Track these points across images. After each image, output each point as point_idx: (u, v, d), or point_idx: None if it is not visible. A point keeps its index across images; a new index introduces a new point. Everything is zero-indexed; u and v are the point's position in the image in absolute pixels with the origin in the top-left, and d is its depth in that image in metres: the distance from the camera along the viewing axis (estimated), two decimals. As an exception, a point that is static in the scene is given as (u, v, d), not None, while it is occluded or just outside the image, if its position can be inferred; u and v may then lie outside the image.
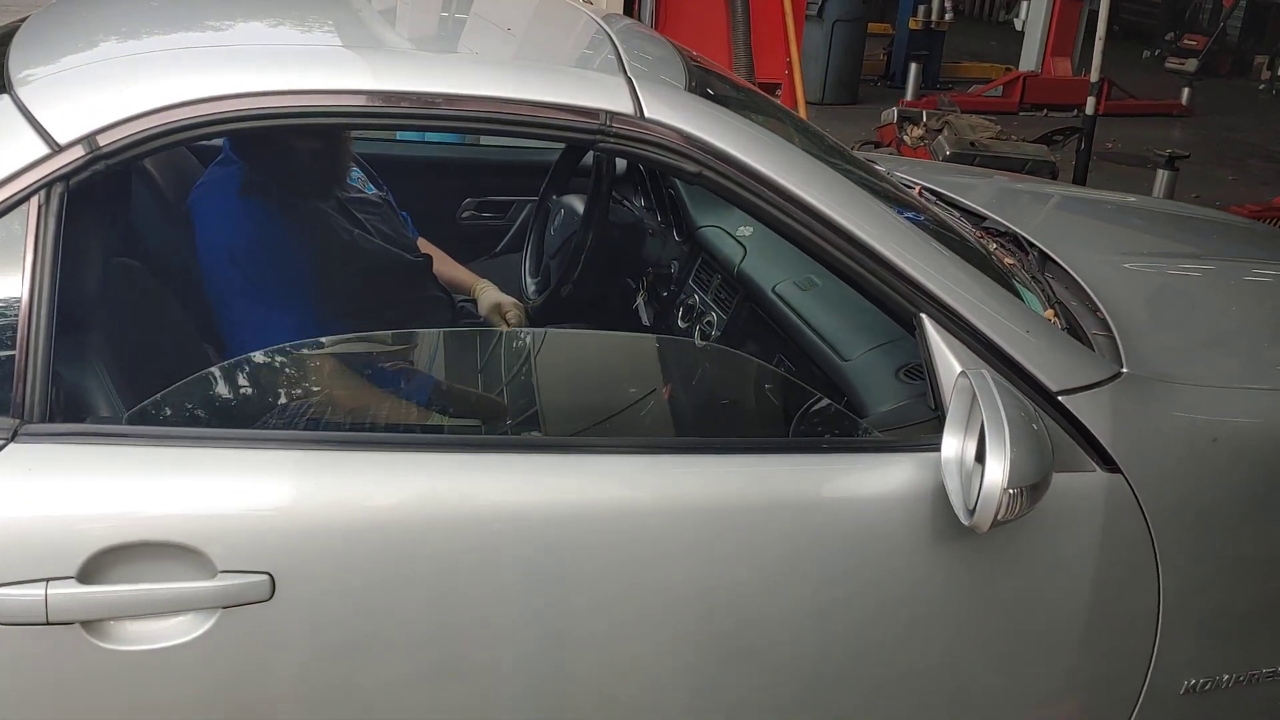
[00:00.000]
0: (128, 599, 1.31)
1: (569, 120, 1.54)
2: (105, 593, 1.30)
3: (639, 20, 4.24)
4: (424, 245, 2.61)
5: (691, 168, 1.56)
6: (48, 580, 1.27)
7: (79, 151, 1.37)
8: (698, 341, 2.35)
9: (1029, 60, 9.26)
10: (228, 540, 1.33)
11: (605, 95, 1.56)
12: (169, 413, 1.49)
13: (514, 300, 2.64)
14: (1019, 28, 9.33)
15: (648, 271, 2.64)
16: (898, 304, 1.60)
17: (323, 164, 2.23)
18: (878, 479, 1.56)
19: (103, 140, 1.38)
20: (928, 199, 2.48)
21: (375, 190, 2.57)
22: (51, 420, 1.34)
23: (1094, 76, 5.09)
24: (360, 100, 1.49)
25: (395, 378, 2.31)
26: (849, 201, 1.65)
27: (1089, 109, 5.08)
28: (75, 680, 1.33)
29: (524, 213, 3.08)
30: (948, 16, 9.42)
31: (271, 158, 2.12)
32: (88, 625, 1.30)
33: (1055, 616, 1.67)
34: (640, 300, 2.64)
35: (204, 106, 1.42)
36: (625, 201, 2.76)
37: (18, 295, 1.42)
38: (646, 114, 1.56)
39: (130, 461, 1.34)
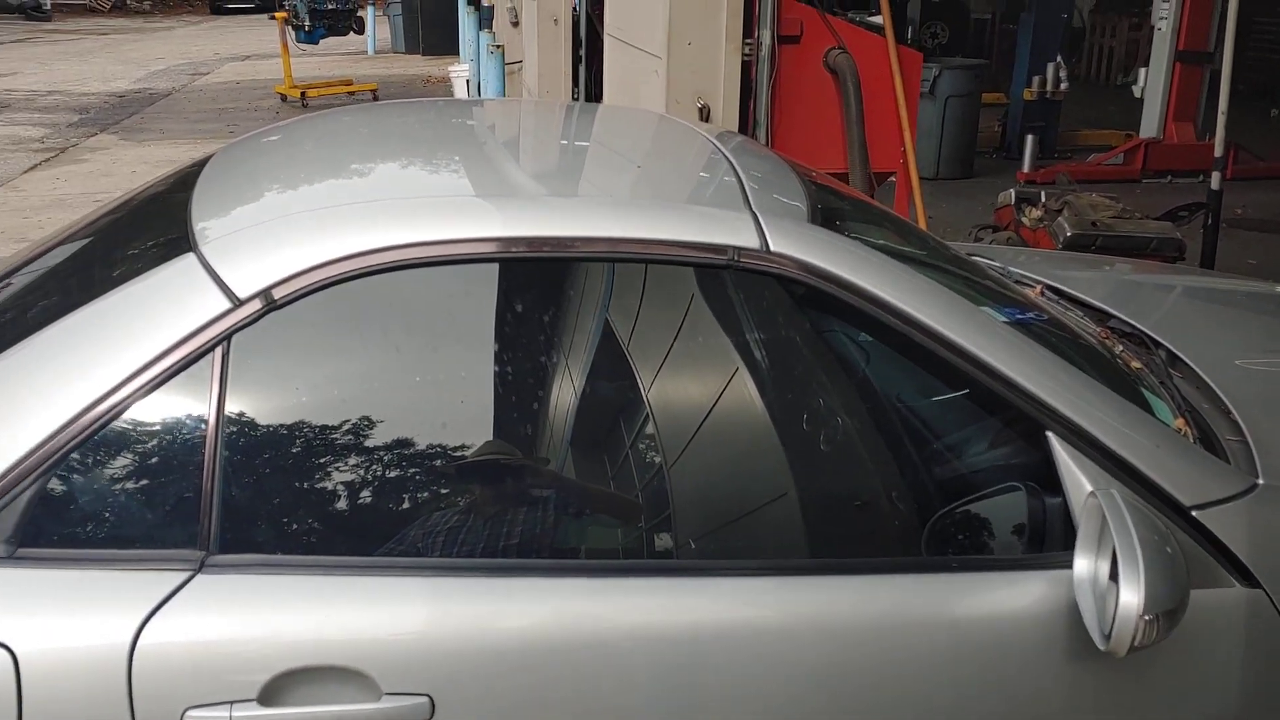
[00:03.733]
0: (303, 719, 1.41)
1: (699, 257, 1.63)
2: (284, 714, 1.40)
3: (754, 117, 4.35)
4: None
5: (816, 296, 1.63)
6: (232, 703, 1.39)
7: (256, 305, 1.51)
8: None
9: (1150, 126, 9.09)
10: (390, 664, 1.43)
11: (732, 231, 1.65)
12: (332, 540, 1.60)
13: None
14: (1138, 94, 9.18)
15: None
16: (1023, 421, 1.63)
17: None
18: (1010, 597, 1.58)
19: (276, 293, 1.52)
20: (1049, 298, 2.50)
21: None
22: (231, 551, 1.47)
23: (1218, 150, 5.00)
24: (505, 246, 1.61)
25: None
26: (968, 321, 1.70)
27: (1214, 184, 4.98)
28: (256, 796, 1.43)
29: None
30: (1063, 86, 9.34)
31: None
32: (268, 745, 1.41)
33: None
34: (764, 402, 2.69)
35: (364, 259, 1.55)
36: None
37: (201, 435, 1.56)
38: (772, 248, 1.64)
39: (303, 589, 1.45)
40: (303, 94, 12.41)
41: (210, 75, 15.51)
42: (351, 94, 12.89)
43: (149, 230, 1.87)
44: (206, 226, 1.68)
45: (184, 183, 1.97)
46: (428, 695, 1.43)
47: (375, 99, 12.46)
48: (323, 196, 1.81)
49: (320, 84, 13.13)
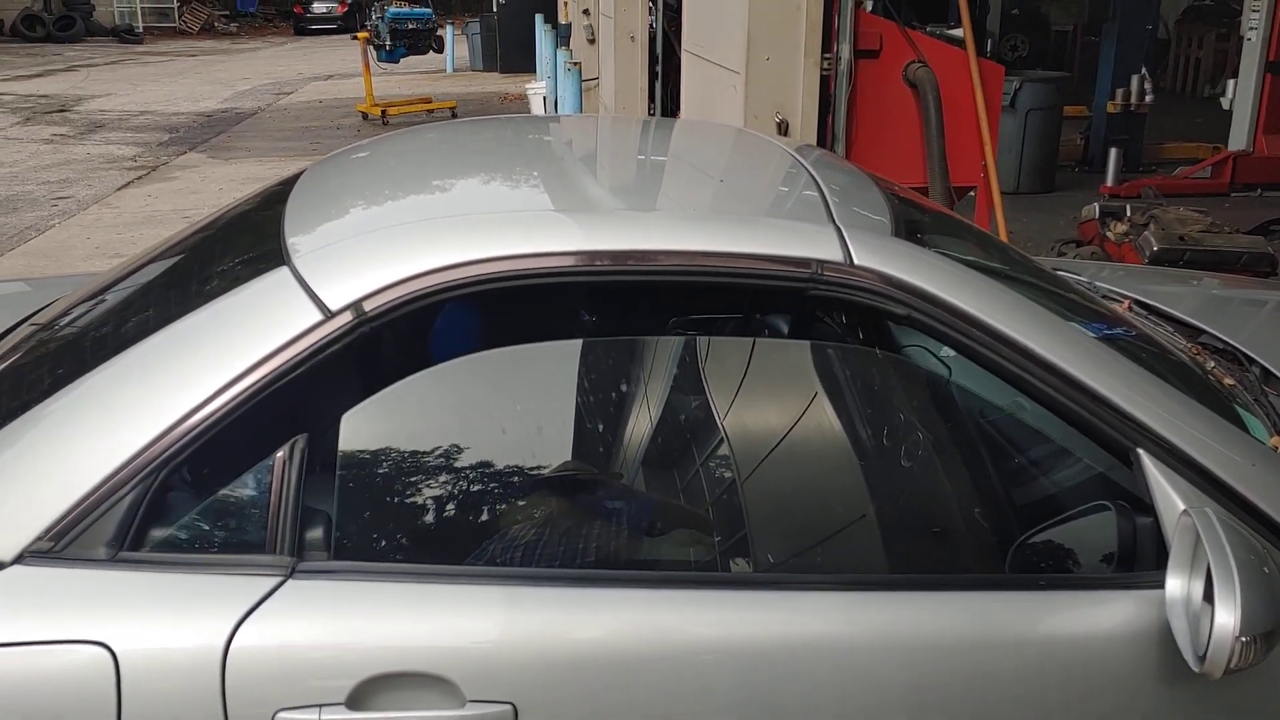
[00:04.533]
0: (390, 725, 1.44)
1: (782, 270, 1.63)
2: (371, 719, 1.43)
3: (833, 132, 4.33)
4: None
5: (900, 310, 1.62)
6: (321, 706, 1.42)
7: (348, 317, 1.55)
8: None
9: (1238, 138, 8.87)
10: (475, 671, 1.45)
11: (815, 245, 1.65)
12: (418, 549, 1.63)
13: None
14: (1226, 105, 8.96)
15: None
16: (1111, 438, 1.60)
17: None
18: (1099, 617, 1.55)
19: (367, 306, 1.55)
20: (1137, 313, 2.45)
21: (586, 316, 2.73)
22: (321, 559, 1.50)
23: (1313, 161, 4.86)
24: (589, 260, 1.63)
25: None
26: (1055, 335, 1.67)
27: (1309, 195, 4.85)
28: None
29: (728, 330, 3.17)
30: (1148, 98, 9.14)
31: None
32: (355, 748, 1.43)
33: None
34: (844, 418, 2.68)
35: (453, 272, 1.58)
36: (826, 319, 2.82)
37: (294, 445, 1.60)
38: (856, 261, 1.63)
39: (391, 596, 1.48)
40: (383, 112, 12.65)
41: (294, 94, 15.88)
42: (430, 112, 13.11)
43: (243, 245, 1.92)
44: (298, 241, 1.73)
45: (275, 199, 2.02)
46: (511, 704, 1.44)
47: (454, 116, 12.65)
48: (411, 211, 1.85)
49: (400, 102, 13.37)
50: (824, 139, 4.28)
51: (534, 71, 13.73)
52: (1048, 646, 1.55)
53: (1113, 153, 8.32)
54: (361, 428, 1.64)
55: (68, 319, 1.97)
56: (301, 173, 2.19)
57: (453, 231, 1.66)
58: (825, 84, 4.24)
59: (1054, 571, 1.66)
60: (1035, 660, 1.55)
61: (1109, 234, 4.90)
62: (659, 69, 7.05)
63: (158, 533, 1.50)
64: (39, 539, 1.46)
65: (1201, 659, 1.40)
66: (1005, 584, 1.62)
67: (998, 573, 1.66)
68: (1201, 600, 1.44)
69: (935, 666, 1.53)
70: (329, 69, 19.02)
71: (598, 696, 1.48)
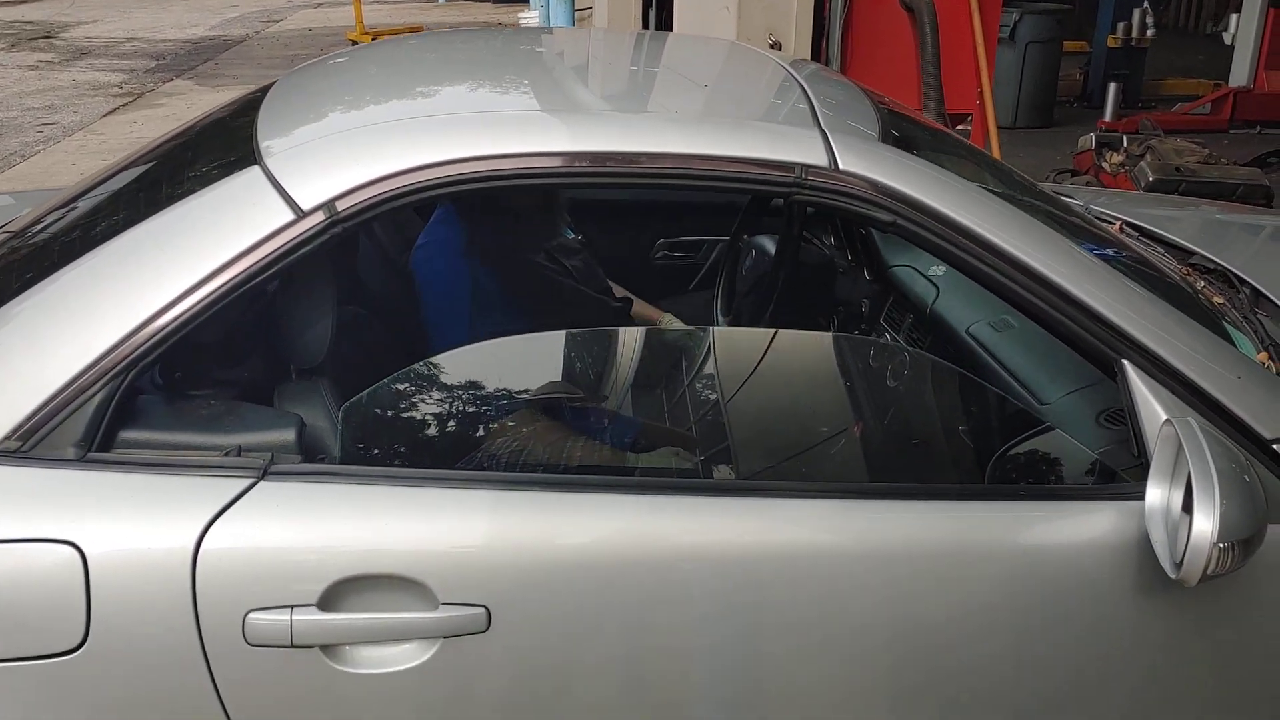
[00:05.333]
0: (362, 626, 1.43)
1: (766, 174, 1.59)
2: (342, 620, 1.42)
3: (827, 54, 4.26)
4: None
5: (886, 217, 1.59)
6: (293, 607, 1.41)
7: (320, 217, 1.51)
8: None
9: (1239, 74, 8.75)
10: (448, 574, 1.43)
11: (800, 148, 1.61)
12: (396, 452, 1.61)
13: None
14: (1228, 40, 8.84)
15: (839, 310, 2.66)
16: (1098, 350, 1.58)
17: (539, 219, 2.36)
18: (1079, 527, 1.54)
19: (340, 205, 1.52)
20: (1128, 234, 2.42)
21: (573, 234, 2.70)
22: (294, 460, 1.49)
23: (1313, 93, 4.80)
24: (570, 161, 1.58)
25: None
26: (1045, 245, 1.64)
27: (1307, 128, 4.79)
28: (313, 698, 1.45)
29: (715, 252, 3.15)
30: (1149, 33, 9.01)
31: (492, 217, 2.26)
32: (326, 649, 1.43)
33: (1273, 673, 1.60)
34: (831, 339, 2.66)
35: (428, 172, 1.54)
36: (816, 240, 2.79)
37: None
38: (841, 166, 1.60)
39: (364, 499, 1.46)
40: (374, 40, 12.45)
41: (283, 22, 15.62)
42: (422, 41, 12.90)
43: (215, 148, 1.88)
44: (271, 142, 1.68)
45: (249, 106, 1.97)
46: (485, 607, 1.43)
47: (445, 46, 12.46)
48: (388, 114, 1.80)
49: (391, 30, 13.15)
50: (817, 62, 4.21)
51: (526, 1, 13.50)
52: (1027, 556, 1.55)
53: (1112, 87, 8.21)
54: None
55: (39, 225, 1.93)
56: (277, 80, 2.14)
57: (427, 131, 1.62)
58: (820, 7, 4.17)
59: (1036, 482, 1.65)
60: (1015, 570, 1.54)
61: (1104, 164, 4.85)
62: (652, -4, 6.92)
63: (128, 434, 1.48)
64: (6, 438, 1.43)
65: (1178, 565, 1.40)
66: (986, 494, 1.61)
67: (979, 484, 1.64)
68: (1180, 511, 1.43)
69: (916, 576, 1.52)
70: (319, -3, 18.68)
71: (574, 600, 1.47)
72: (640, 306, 2.78)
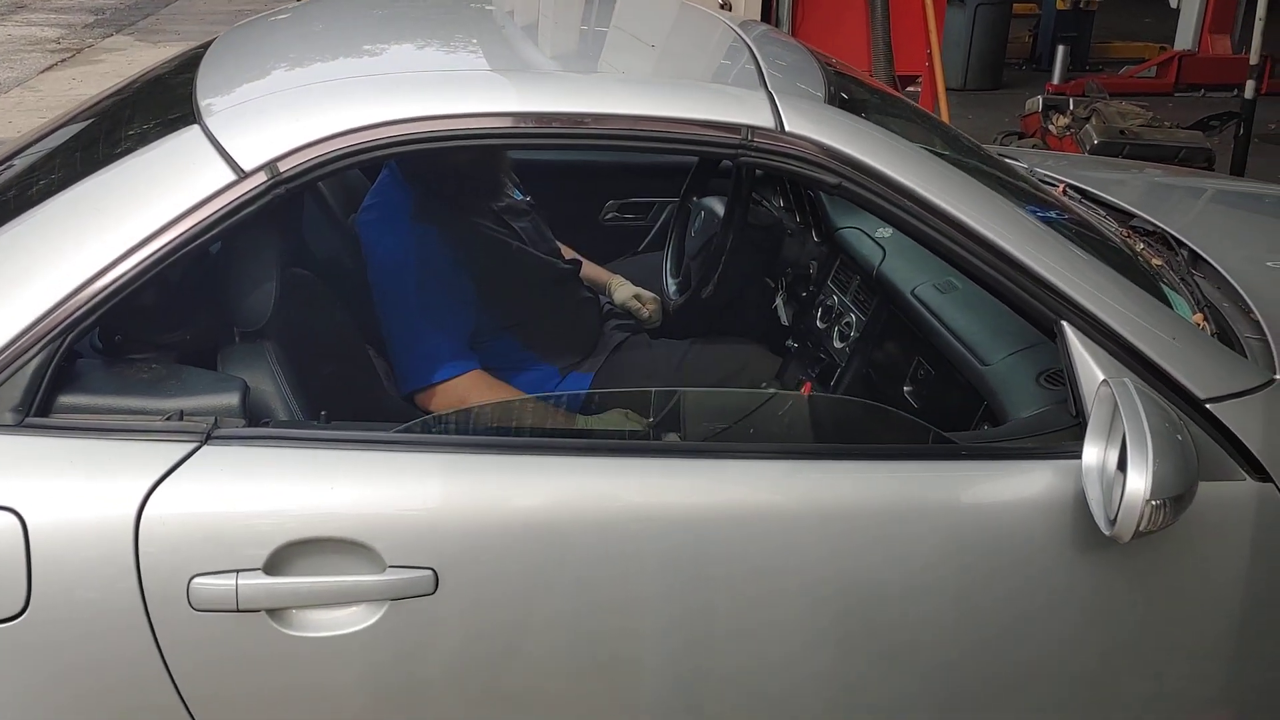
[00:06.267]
0: (308, 590, 1.43)
1: (711, 136, 1.59)
2: (289, 584, 1.42)
3: (776, 15, 4.25)
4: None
5: (831, 179, 1.60)
6: (238, 571, 1.40)
7: (262, 177, 1.49)
8: (836, 342, 2.38)
9: (1185, 38, 8.85)
10: (395, 537, 1.44)
11: (746, 110, 1.61)
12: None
13: (651, 293, 2.72)
14: (1174, 4, 8.92)
15: (787, 272, 2.67)
16: (1038, 311, 1.61)
17: (485, 180, 2.35)
18: (1018, 485, 1.57)
19: (282, 166, 1.50)
20: (1071, 197, 2.45)
21: (521, 196, 2.68)
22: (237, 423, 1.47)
23: (1254, 58, 4.87)
24: (516, 121, 1.57)
25: (548, 383, 2.42)
26: (987, 208, 1.66)
27: (1248, 93, 4.86)
28: (260, 662, 1.45)
29: (665, 213, 3.14)
30: (1097, -4, 9.09)
31: (437, 179, 2.24)
32: (273, 613, 1.42)
33: (1206, 627, 1.65)
34: (779, 300, 2.68)
35: (372, 132, 1.52)
36: (764, 202, 2.80)
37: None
38: (787, 128, 1.60)
39: (309, 463, 1.45)
40: (320, -4, 12.21)
41: (227, -24, 15.25)
42: (370, -3, 12.67)
43: (154, 107, 1.84)
44: (212, 101, 1.65)
45: (190, 63, 1.93)
46: (432, 569, 1.44)
47: None
48: (332, 72, 1.77)
49: (338, -13, 12.91)
50: (767, 21, 4.19)
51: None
52: (968, 515, 1.58)
53: (1060, 50, 8.25)
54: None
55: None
56: (217, 36, 2.10)
57: (371, 90, 1.60)
58: (770, -33, 4.15)
59: (976, 440, 1.68)
60: (955, 527, 1.57)
61: (1051, 127, 4.90)
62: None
63: (67, 398, 1.46)
64: (-59, 403, 1.41)
65: (1112, 522, 1.43)
66: (927, 454, 1.63)
67: (922, 443, 1.66)
68: (1115, 469, 1.46)
69: (858, 535, 1.55)
70: (264, -49, 18.28)
71: (521, 561, 1.48)
72: (590, 269, 2.78)
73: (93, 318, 1.45)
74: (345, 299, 2.18)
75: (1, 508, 1.37)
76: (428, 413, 2.16)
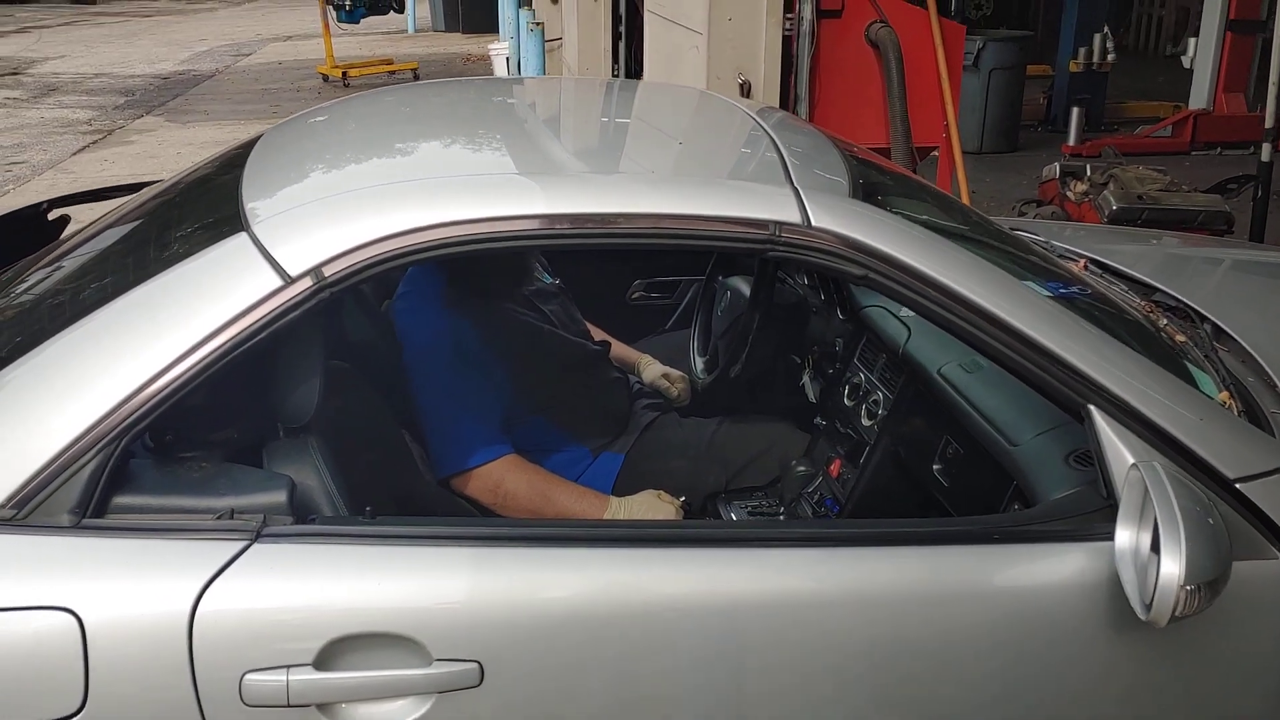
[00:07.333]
0: (357, 684, 1.46)
1: (740, 232, 1.65)
2: (338, 679, 1.45)
3: (795, 92, 4.34)
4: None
5: (857, 270, 1.64)
6: (289, 667, 1.43)
7: (308, 282, 1.55)
8: (864, 420, 2.40)
9: (1199, 97, 8.93)
10: (440, 631, 1.47)
11: (773, 206, 1.67)
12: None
13: (679, 372, 2.77)
14: (1187, 64, 9.01)
15: (813, 349, 2.71)
16: (1065, 395, 1.64)
17: (515, 267, 2.41)
18: (1050, 568, 1.59)
19: (327, 271, 1.55)
20: (1093, 272, 2.49)
21: (549, 279, 2.74)
22: (285, 522, 1.52)
23: (1269, 121, 4.92)
24: (550, 224, 1.63)
25: (580, 463, 2.46)
26: (1011, 295, 1.70)
27: (1264, 155, 4.90)
28: (311, 757, 1.48)
29: (691, 292, 3.20)
30: (1110, 57, 9.18)
31: (469, 266, 2.31)
32: (323, 707, 1.45)
33: (1243, 705, 1.65)
34: (806, 378, 2.72)
35: (412, 237, 1.58)
36: (789, 280, 2.85)
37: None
38: (813, 223, 1.65)
39: (356, 558, 1.49)
40: (344, 74, 12.48)
41: (253, 56, 15.63)
42: (392, 73, 12.95)
43: (201, 211, 1.91)
44: (257, 206, 1.72)
45: (233, 164, 2.01)
46: (477, 662, 1.47)
47: (416, 78, 12.50)
48: (370, 176, 1.84)
49: (361, 63, 13.20)
50: (786, 100, 4.28)
51: (496, 32, 13.57)
52: (1002, 598, 1.59)
53: (1075, 112, 8.35)
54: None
55: (26, 285, 1.96)
56: (259, 136, 2.18)
57: (412, 196, 1.66)
58: (788, 44, 4.24)
59: (1008, 524, 1.70)
60: (991, 612, 1.59)
61: (1069, 193, 4.94)
62: (622, 29, 7.00)
63: (121, 499, 1.51)
64: (2, 506, 1.45)
65: (1148, 607, 1.45)
66: (958, 538, 1.65)
67: (954, 527, 1.69)
68: (1149, 551, 1.48)
69: (895, 620, 1.57)
70: (288, 30, 18.72)
71: (563, 654, 1.51)
72: (618, 348, 2.83)
73: (147, 421, 1.50)
74: (379, 384, 2.23)
75: (59, 608, 1.41)
76: (463, 497, 2.20)
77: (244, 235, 1.63)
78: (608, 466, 2.50)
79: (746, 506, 2.48)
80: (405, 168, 1.88)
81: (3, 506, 1.46)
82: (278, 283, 1.55)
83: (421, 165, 1.90)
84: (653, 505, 2.23)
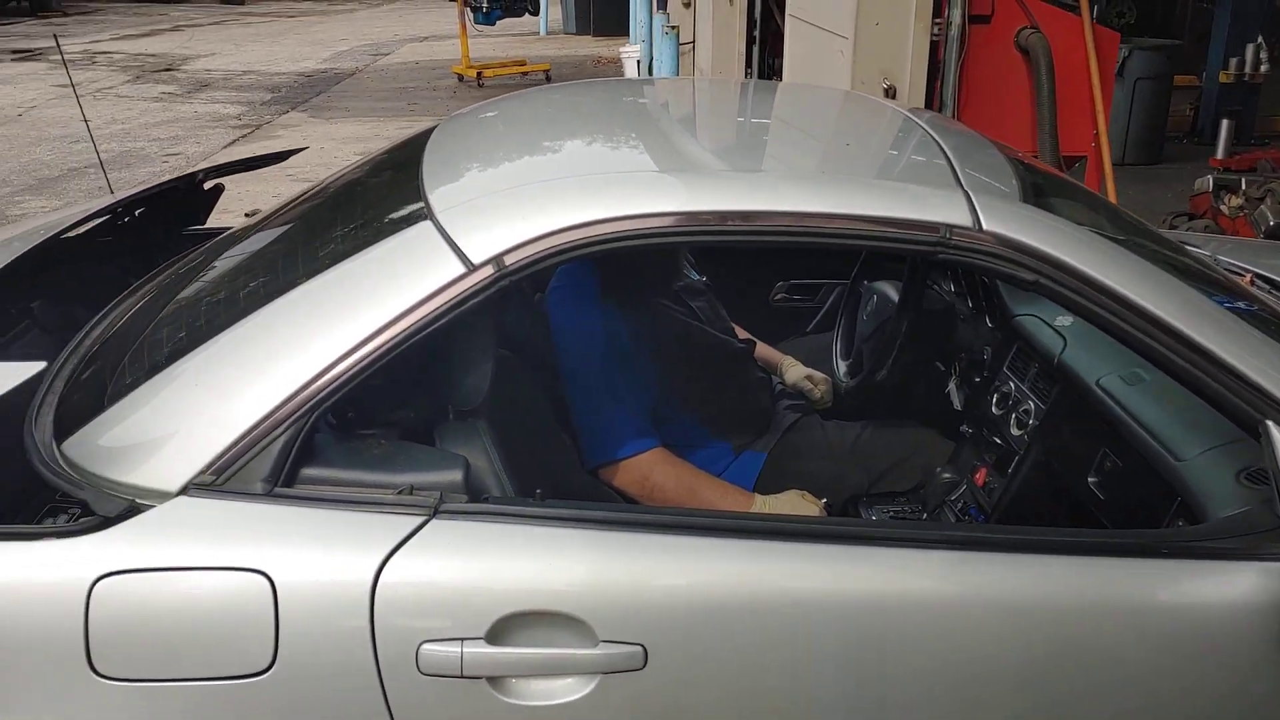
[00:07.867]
0: (526, 660, 1.51)
1: (910, 234, 1.66)
2: (508, 654, 1.51)
3: (941, 98, 4.29)
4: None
5: (1028, 276, 1.63)
6: (463, 640, 1.50)
7: (489, 270, 1.61)
8: (1014, 429, 2.38)
9: (1359, 111, 8.55)
10: (607, 613, 1.51)
11: (944, 209, 1.67)
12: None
13: (822, 375, 2.77)
14: (1347, 77, 8.64)
15: (960, 357, 2.69)
16: (1240, 409, 1.60)
17: (666, 262, 2.45)
18: (1218, 587, 1.56)
19: (508, 260, 1.62)
20: (1260, 288, 2.42)
21: (697, 276, 2.78)
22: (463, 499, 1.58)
23: None
24: (722, 220, 1.67)
25: (722, 460, 2.48)
26: (1185, 304, 1.67)
27: None
28: (479, 727, 1.54)
29: (834, 295, 3.20)
30: (1264, 68, 8.83)
31: (622, 260, 2.36)
32: (493, 680, 1.51)
33: None
34: (952, 385, 2.69)
35: (585, 230, 1.63)
36: (936, 286, 2.83)
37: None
38: (985, 226, 1.65)
39: (528, 538, 1.55)
40: (479, 74, 12.75)
41: (391, 56, 16.08)
42: (525, 74, 13.17)
43: (385, 199, 2.00)
44: (439, 197, 1.79)
45: (408, 156, 2.09)
46: (641, 645, 1.51)
47: (548, 79, 12.70)
48: (545, 170, 1.91)
49: (495, 64, 13.46)
50: (931, 106, 4.24)
51: (626, 35, 13.71)
52: (1165, 614, 1.57)
53: (1225, 124, 8.02)
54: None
55: (218, 268, 2.07)
56: (432, 130, 2.26)
57: (586, 190, 1.71)
58: (935, 50, 4.21)
59: (1175, 539, 1.67)
60: (1151, 628, 1.56)
61: (1223, 207, 4.78)
62: (757, 33, 7.01)
63: (309, 471, 1.59)
64: (202, 472, 1.55)
65: (1326, 631, 1.41)
66: (1122, 550, 1.63)
67: (1119, 539, 1.66)
68: (1329, 575, 1.44)
69: (1045, 629, 1.56)
70: (425, 30, 19.21)
71: (727, 642, 1.54)
72: (762, 349, 2.85)
73: (335, 398, 1.58)
74: (533, 375, 2.29)
75: (255, 570, 1.50)
76: (611, 487, 2.25)
77: (428, 223, 1.70)
78: (750, 465, 2.52)
79: (889, 511, 2.48)
80: (579, 163, 1.94)
81: (204, 472, 1.55)
82: (461, 270, 1.61)
83: (595, 161, 1.95)
84: (797, 504, 2.24)
